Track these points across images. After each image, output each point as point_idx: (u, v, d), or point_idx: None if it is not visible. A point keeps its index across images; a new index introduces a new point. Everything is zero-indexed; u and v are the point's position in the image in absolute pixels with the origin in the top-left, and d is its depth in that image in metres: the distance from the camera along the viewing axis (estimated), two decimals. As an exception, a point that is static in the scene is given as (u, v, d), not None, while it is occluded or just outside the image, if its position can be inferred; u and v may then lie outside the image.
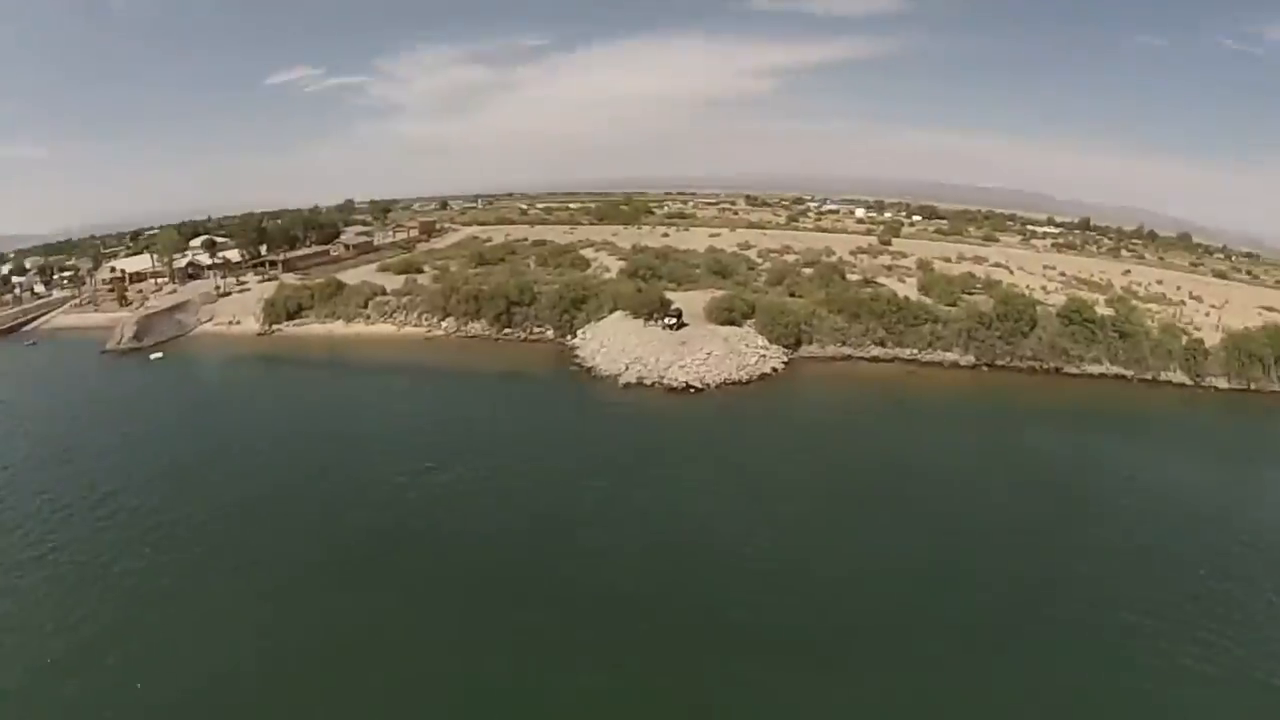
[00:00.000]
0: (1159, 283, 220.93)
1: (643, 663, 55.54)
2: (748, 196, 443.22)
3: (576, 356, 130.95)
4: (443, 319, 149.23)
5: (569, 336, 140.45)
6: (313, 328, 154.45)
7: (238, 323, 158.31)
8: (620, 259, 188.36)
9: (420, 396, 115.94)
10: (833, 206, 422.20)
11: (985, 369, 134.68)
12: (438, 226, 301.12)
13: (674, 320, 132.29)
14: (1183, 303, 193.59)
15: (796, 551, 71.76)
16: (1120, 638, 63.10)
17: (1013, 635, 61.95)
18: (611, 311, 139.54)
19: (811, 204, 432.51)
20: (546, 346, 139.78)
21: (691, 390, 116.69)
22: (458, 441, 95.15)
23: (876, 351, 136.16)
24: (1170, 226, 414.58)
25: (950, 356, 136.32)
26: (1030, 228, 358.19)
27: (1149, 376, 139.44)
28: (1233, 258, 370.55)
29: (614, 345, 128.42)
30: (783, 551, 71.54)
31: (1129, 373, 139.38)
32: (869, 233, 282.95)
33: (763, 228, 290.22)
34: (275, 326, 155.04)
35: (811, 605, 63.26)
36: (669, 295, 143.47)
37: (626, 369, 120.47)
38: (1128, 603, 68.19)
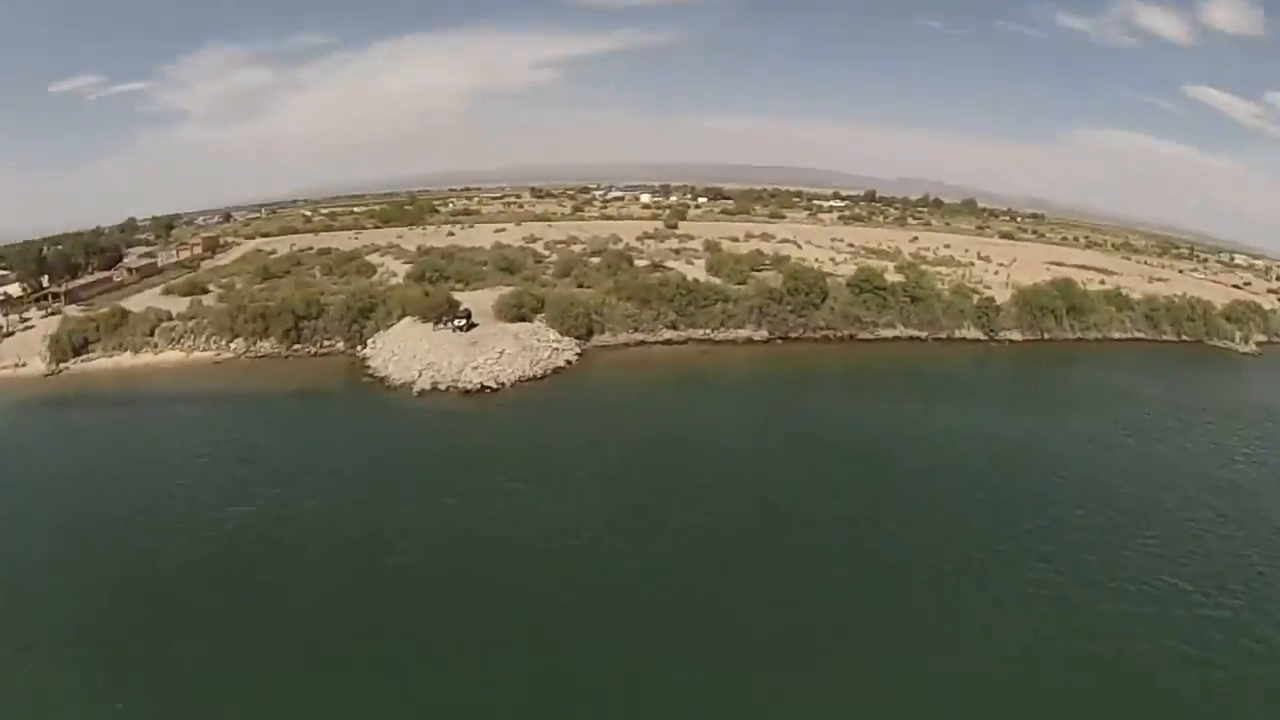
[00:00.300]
0: (947, 247, 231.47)
1: (480, 673, 54.94)
2: (533, 189, 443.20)
3: (369, 367, 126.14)
4: (231, 340, 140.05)
5: (359, 347, 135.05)
6: (101, 362, 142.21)
7: (24, 365, 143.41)
8: (406, 262, 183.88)
9: (213, 427, 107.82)
10: (618, 194, 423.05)
11: (779, 342, 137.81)
12: (221, 241, 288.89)
13: (463, 321, 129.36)
14: (971, 264, 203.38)
15: (610, 541, 71.81)
16: (938, 577, 66.53)
17: (828, 594, 65.54)
18: (400, 318, 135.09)
19: (597, 192, 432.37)
20: (338, 360, 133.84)
21: (487, 390, 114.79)
22: (254, 473, 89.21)
23: (669, 334, 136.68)
24: (955, 195, 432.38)
25: (743, 333, 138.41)
26: (817, 202, 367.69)
27: (943, 336, 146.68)
28: (1018, 219, 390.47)
29: (405, 352, 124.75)
30: (597, 542, 71.51)
31: (923, 334, 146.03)
32: (655, 218, 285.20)
33: (549, 219, 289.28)
34: (62, 365, 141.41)
35: (631, 592, 64.17)
36: (457, 296, 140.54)
37: (420, 375, 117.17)
38: (938, 545, 72.04)
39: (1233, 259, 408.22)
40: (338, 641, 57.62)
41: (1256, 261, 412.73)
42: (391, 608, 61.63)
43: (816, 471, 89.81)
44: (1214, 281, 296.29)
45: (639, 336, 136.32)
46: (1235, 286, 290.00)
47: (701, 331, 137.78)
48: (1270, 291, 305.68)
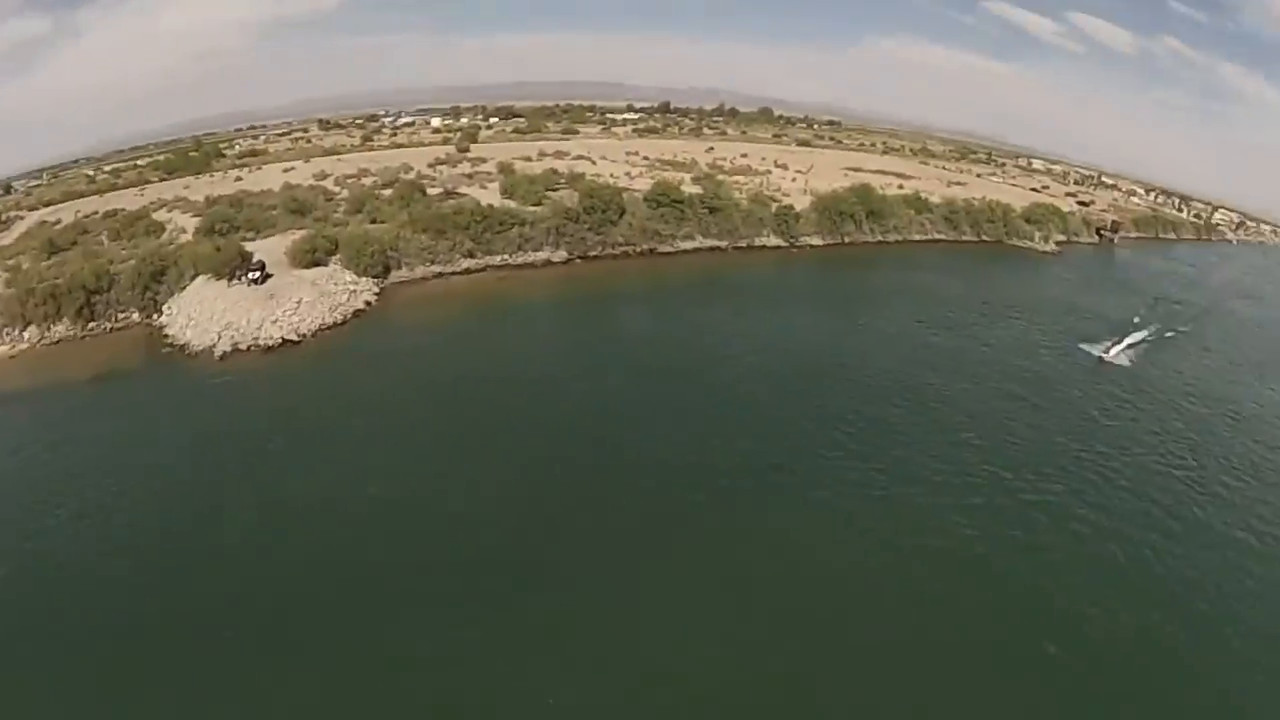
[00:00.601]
0: (744, 156, 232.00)
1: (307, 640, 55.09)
2: (320, 121, 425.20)
3: (167, 336, 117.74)
4: (24, 329, 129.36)
5: (156, 315, 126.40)
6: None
7: None
8: (195, 215, 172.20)
9: (10, 431, 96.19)
10: (408, 119, 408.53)
11: (579, 262, 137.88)
12: (3, 218, 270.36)
13: (258, 274, 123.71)
14: (769, 172, 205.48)
15: (427, 492, 71.62)
16: (762, 487, 69.18)
17: (653, 511, 68.79)
18: (194, 278, 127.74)
19: (386, 120, 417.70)
20: (136, 332, 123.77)
21: (289, 344, 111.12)
22: (50, 484, 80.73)
23: (467, 263, 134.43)
24: (751, 104, 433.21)
25: (541, 256, 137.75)
26: (610, 116, 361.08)
27: (743, 245, 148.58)
28: (815, 127, 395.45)
29: (202, 314, 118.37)
30: (416, 495, 71.27)
31: (723, 244, 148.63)
32: (446, 142, 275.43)
33: (338, 153, 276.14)
34: None
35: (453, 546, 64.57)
36: (250, 246, 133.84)
37: (219, 338, 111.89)
38: (758, 454, 75.35)
39: (1030, 164, 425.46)
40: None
41: (1054, 166, 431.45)
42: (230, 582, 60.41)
43: (628, 393, 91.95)
44: (1013, 185, 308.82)
45: (437, 269, 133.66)
46: (1034, 190, 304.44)
47: (500, 257, 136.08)
48: (1068, 195, 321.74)
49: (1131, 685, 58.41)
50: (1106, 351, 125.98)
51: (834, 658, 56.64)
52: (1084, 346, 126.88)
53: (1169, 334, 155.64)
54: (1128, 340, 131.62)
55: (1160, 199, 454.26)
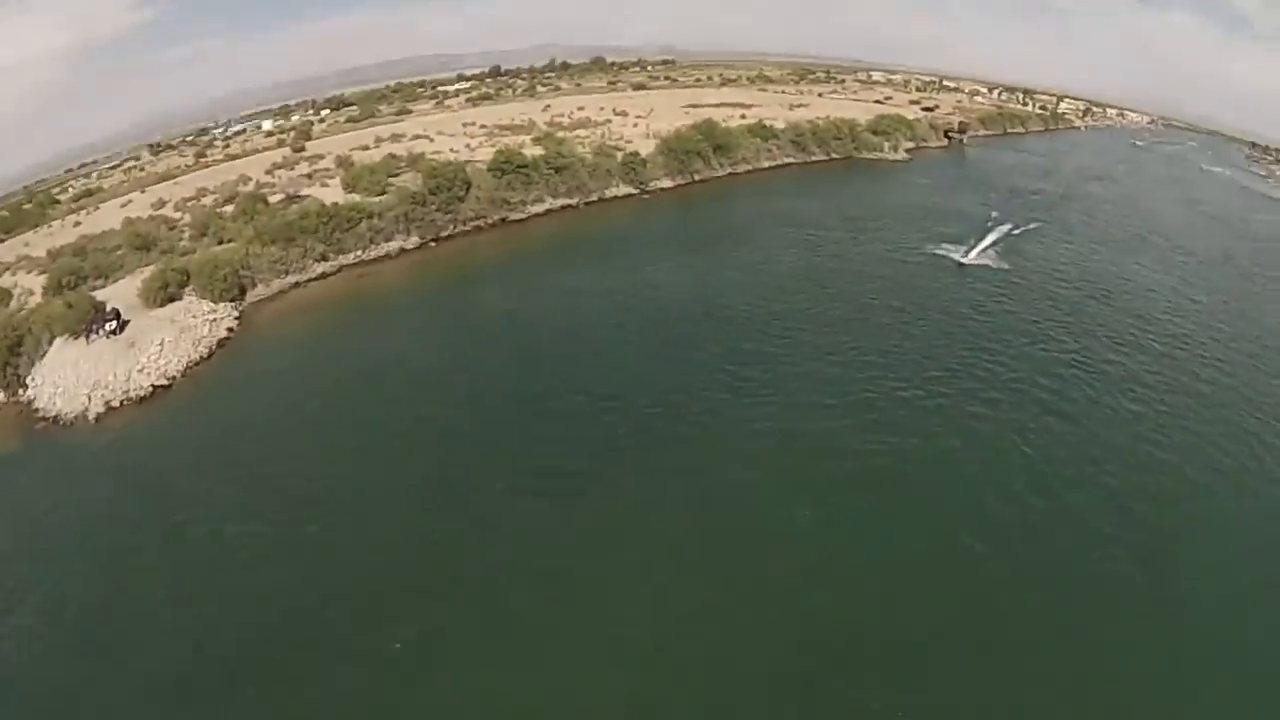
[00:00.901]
0: (581, 109, 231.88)
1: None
2: (150, 146, 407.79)
3: (37, 410, 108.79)
4: None
5: (21, 391, 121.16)
6: None
7: None
8: (41, 272, 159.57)
9: None
10: (239, 127, 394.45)
11: (433, 245, 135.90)
12: None
13: (114, 324, 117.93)
14: (609, 121, 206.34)
15: (333, 516, 69.55)
16: (663, 437, 71.72)
17: (541, 490, 69.49)
18: (52, 342, 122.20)
19: (216, 131, 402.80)
20: (5, 413, 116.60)
21: (161, 389, 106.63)
22: None
23: (322, 268, 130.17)
24: (582, 54, 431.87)
25: (394, 245, 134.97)
26: (442, 89, 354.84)
27: (594, 199, 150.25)
28: (649, 68, 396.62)
29: (67, 379, 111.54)
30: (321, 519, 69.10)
31: (574, 201, 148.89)
32: (280, 144, 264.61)
33: (173, 176, 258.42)
34: None
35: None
36: (101, 295, 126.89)
37: (90, 400, 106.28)
38: (650, 405, 78.69)
39: (870, 76, 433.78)
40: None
41: (894, 76, 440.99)
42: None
43: (508, 374, 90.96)
44: (855, 100, 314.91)
45: (293, 279, 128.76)
46: (877, 102, 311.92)
47: (353, 254, 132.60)
48: (912, 103, 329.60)
49: (1048, 565, 62.18)
50: (965, 255, 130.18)
51: (752, 590, 58.50)
52: (945, 249, 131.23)
53: (1031, 225, 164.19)
54: (987, 240, 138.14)
55: (1004, 96, 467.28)
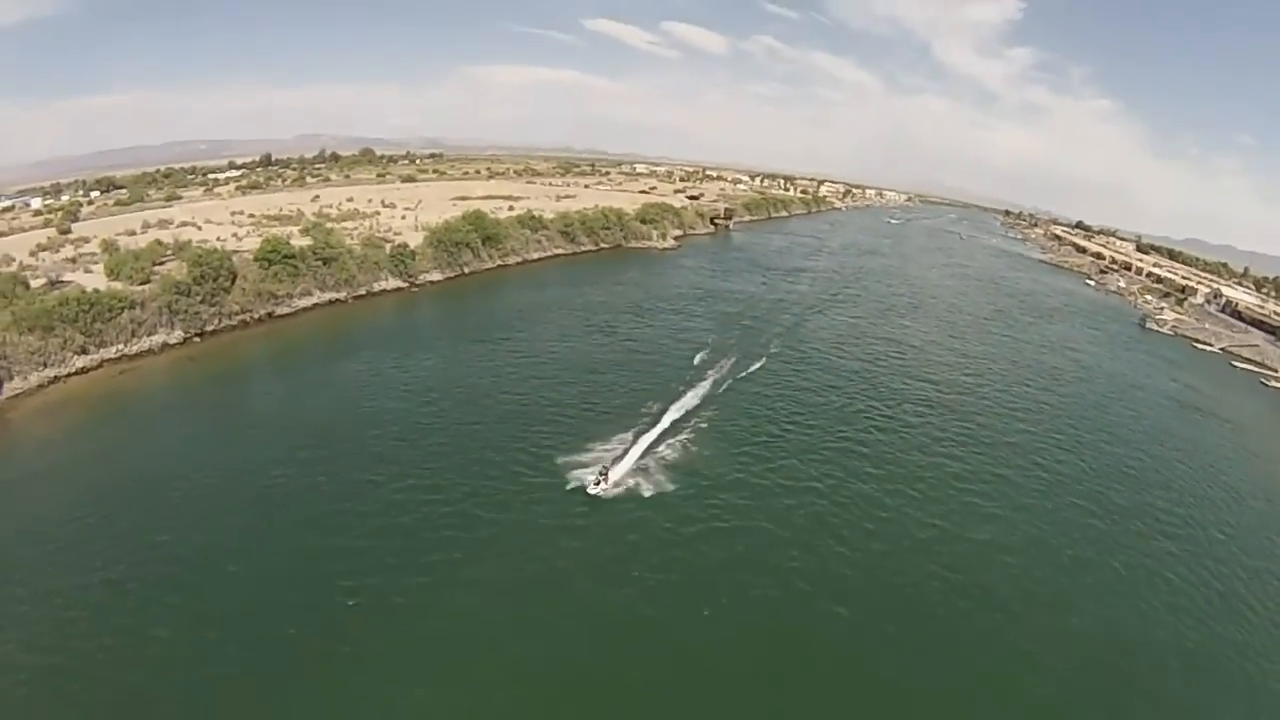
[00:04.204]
0: (350, 200, 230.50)
1: None
2: None
3: None
4: None
5: None
6: None
7: None
8: None
9: None
10: (7, 203, 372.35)
11: (197, 339, 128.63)
12: None
13: None
14: (377, 213, 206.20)
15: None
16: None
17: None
18: None
19: None
20: None
21: None
22: None
23: (81, 361, 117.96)
24: (352, 146, 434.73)
25: (158, 339, 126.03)
26: (212, 176, 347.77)
27: (363, 292, 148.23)
28: (418, 161, 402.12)
29: None
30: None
31: (342, 294, 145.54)
32: (47, 225, 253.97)
33: None
34: None
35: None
36: None
37: None
38: (405, 486, 79.91)
39: (635, 169, 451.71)
40: None
41: (658, 168, 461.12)
42: None
43: (267, 476, 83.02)
44: (621, 191, 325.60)
45: (51, 372, 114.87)
46: (643, 192, 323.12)
47: (115, 348, 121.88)
48: (677, 191, 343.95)
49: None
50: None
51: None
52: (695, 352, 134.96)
53: (800, 299, 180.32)
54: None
55: (766, 182, 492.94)
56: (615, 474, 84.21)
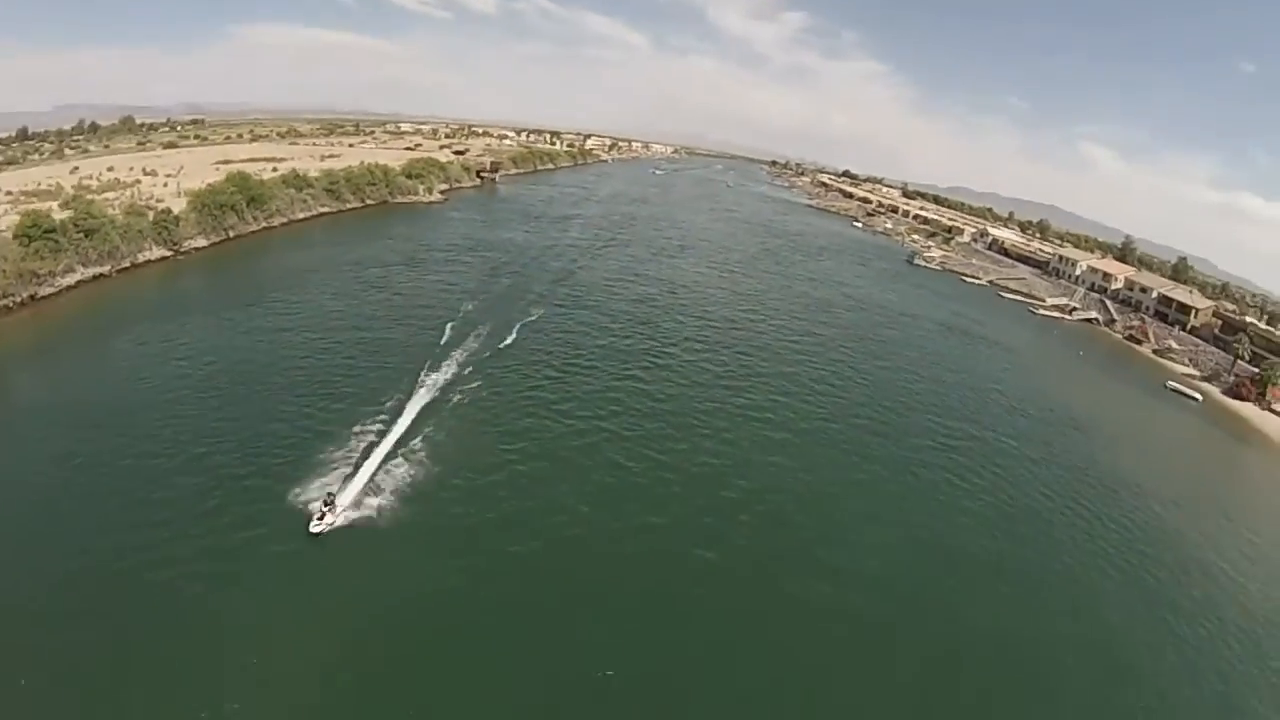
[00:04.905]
0: (110, 170, 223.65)
1: None
2: None
3: None
4: None
5: None
6: None
7: None
8: None
9: None
10: None
11: None
12: None
13: None
14: (138, 182, 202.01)
15: None
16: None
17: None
18: None
19: None
20: None
21: None
22: None
23: None
24: (112, 115, 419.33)
25: None
26: None
27: (127, 264, 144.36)
28: (179, 128, 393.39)
29: None
30: None
31: (106, 268, 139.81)
32: None
33: None
34: None
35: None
36: None
37: None
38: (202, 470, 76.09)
39: (400, 128, 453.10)
40: None
41: (423, 126, 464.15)
42: None
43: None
44: (386, 149, 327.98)
45: None
46: (408, 149, 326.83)
47: None
48: (442, 148, 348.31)
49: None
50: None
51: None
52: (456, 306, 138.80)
53: (571, 242, 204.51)
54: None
55: (532, 137, 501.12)
56: (346, 497, 71.59)
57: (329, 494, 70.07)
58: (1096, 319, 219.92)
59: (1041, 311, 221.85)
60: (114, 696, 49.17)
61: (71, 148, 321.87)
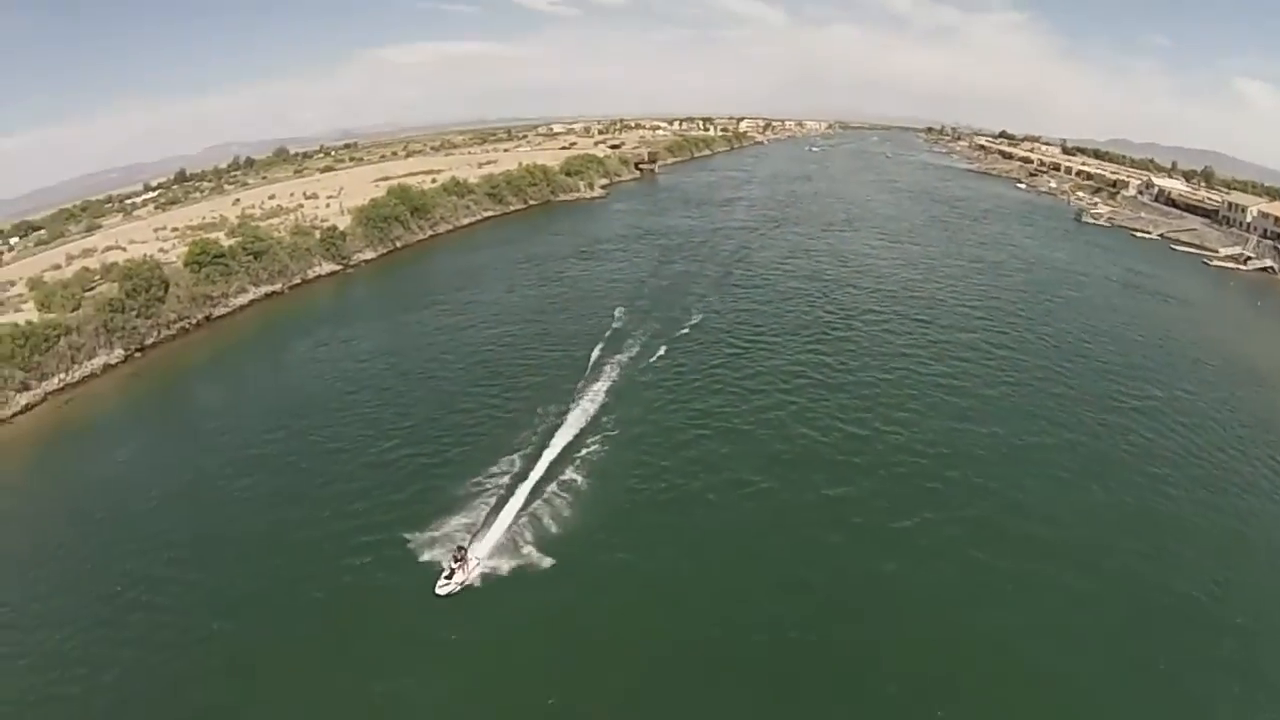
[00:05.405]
0: (272, 198, 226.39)
1: None
2: None
3: None
4: None
5: None
6: None
7: None
8: None
9: None
10: None
11: (139, 355, 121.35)
12: None
13: None
14: (300, 206, 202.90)
15: None
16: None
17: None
18: None
19: None
20: None
21: None
22: None
23: (25, 399, 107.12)
24: (264, 149, 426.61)
25: (98, 361, 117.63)
26: (129, 201, 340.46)
27: (298, 281, 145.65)
28: (332, 153, 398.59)
29: None
30: None
31: (278, 286, 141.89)
32: None
33: None
34: None
35: None
36: None
37: None
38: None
39: (551, 129, 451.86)
40: None
41: (574, 125, 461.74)
42: None
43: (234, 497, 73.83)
44: (542, 150, 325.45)
45: None
46: (564, 148, 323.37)
47: (56, 379, 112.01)
48: (597, 144, 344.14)
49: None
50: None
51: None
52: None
53: (744, 221, 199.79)
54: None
55: (685, 125, 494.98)
56: (481, 549, 61.88)
57: (459, 548, 60.04)
58: (1272, 267, 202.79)
59: (1216, 263, 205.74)
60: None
61: (230, 183, 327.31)
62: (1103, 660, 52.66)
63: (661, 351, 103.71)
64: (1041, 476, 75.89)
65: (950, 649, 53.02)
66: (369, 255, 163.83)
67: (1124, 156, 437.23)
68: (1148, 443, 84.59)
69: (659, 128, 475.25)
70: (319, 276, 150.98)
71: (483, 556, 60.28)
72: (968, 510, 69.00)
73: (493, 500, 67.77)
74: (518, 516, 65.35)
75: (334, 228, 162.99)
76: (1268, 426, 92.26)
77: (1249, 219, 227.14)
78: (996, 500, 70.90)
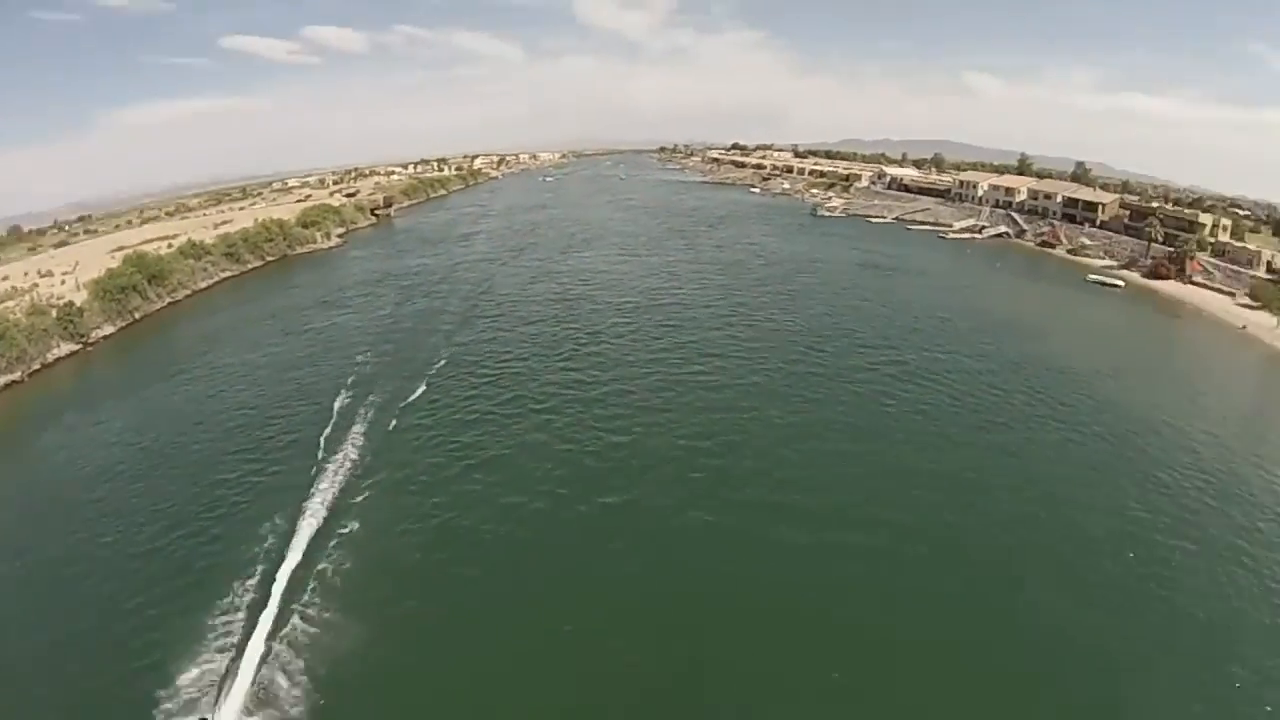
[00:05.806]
0: (5, 279, 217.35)
1: None
2: None
3: None
4: None
5: None
6: None
7: None
8: None
9: None
10: None
11: None
12: None
13: None
14: (35, 286, 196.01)
15: None
16: None
17: None
18: None
19: None
20: None
21: None
22: None
23: None
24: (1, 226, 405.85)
25: None
26: None
27: (38, 365, 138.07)
28: (66, 227, 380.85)
29: None
30: None
31: (17, 375, 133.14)
32: None
33: None
34: None
35: None
36: None
37: None
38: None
39: (286, 184, 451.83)
40: None
41: (308, 179, 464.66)
42: None
43: None
44: (277, 206, 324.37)
45: None
46: (299, 201, 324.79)
47: None
48: (333, 194, 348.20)
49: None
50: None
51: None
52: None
53: (476, 253, 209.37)
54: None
55: (420, 168, 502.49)
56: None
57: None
58: (1007, 233, 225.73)
59: (951, 235, 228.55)
60: None
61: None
62: (911, 609, 57.51)
63: (419, 390, 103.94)
64: (808, 451, 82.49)
65: (753, 628, 55.65)
66: (108, 330, 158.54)
67: (856, 155, 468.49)
68: (910, 400, 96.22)
69: (394, 173, 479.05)
70: (58, 359, 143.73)
71: None
72: (744, 493, 73.45)
73: (236, 634, 54.61)
74: (266, 656, 52.17)
75: (70, 303, 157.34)
76: (1017, 367, 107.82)
77: (980, 193, 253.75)
78: (767, 480, 76.15)
